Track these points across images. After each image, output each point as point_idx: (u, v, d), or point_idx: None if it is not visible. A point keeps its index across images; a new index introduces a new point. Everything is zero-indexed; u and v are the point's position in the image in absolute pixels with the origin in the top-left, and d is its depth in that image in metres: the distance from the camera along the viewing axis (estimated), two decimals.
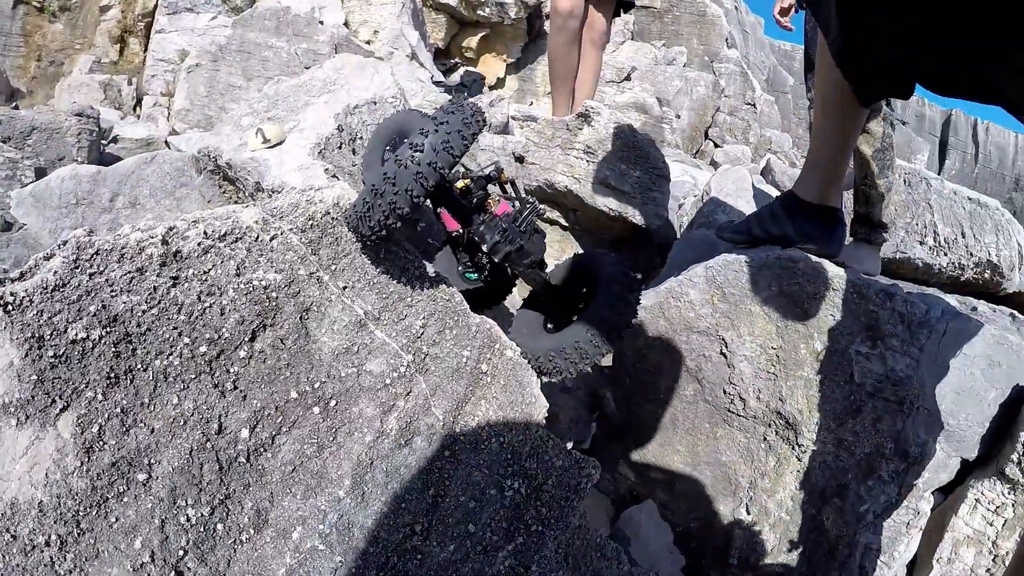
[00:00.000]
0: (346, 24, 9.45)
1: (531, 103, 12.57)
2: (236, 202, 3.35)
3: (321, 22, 8.87)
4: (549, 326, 2.41)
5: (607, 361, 3.08)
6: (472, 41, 13.67)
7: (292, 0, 8.83)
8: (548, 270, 2.36)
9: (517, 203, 2.39)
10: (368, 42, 9.45)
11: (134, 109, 9.56)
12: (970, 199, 3.79)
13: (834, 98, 2.24)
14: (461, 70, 12.65)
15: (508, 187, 2.46)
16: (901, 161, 3.90)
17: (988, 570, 2.47)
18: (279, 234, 1.76)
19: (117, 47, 10.19)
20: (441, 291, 1.96)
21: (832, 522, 2.52)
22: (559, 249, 3.90)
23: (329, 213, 1.85)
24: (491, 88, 13.19)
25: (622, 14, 4.75)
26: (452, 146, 1.74)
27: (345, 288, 1.81)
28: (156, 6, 9.93)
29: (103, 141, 6.68)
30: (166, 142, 6.82)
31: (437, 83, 9.18)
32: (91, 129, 6.08)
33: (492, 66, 13.89)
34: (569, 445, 2.96)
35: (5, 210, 3.65)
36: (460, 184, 2.39)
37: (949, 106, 36.18)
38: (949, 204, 3.78)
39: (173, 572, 1.42)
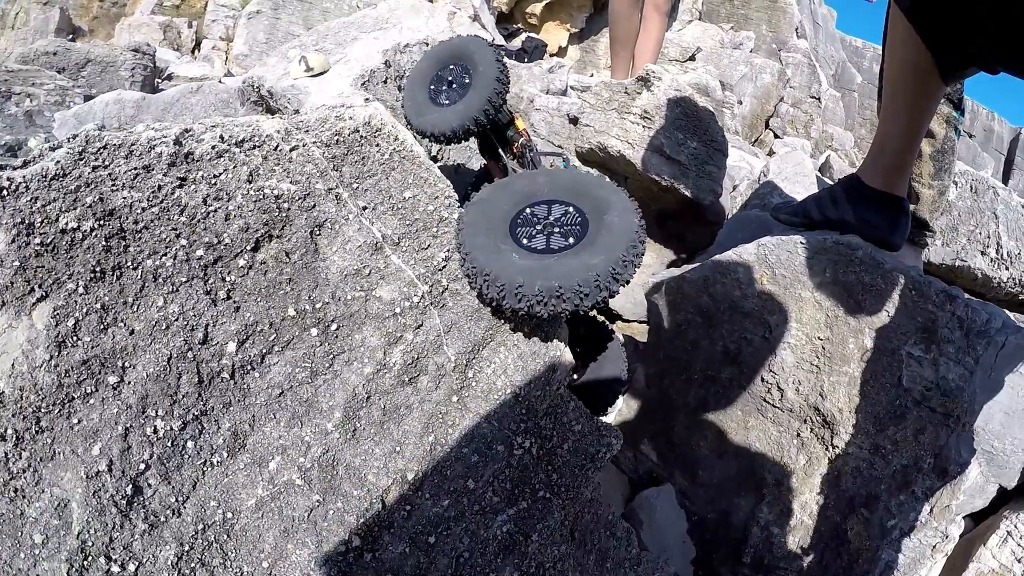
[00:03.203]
0: None
1: (592, 75, 12.43)
2: None
3: None
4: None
5: (642, 337, 2.98)
6: (536, 7, 13.52)
7: None
8: None
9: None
10: (432, 0, 9.38)
11: (192, 52, 9.62)
12: None
13: (906, 77, 2.11)
14: (523, 36, 12.55)
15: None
16: (970, 168, 3.74)
17: None
18: (300, 146, 1.67)
19: None
20: None
21: (856, 533, 2.37)
22: None
23: (358, 131, 1.77)
24: (552, 56, 13.09)
25: None
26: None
27: (365, 208, 1.70)
28: None
29: (158, 79, 6.68)
30: (220, 81, 6.80)
31: (498, 46, 9.10)
32: (146, 64, 6.12)
33: (555, 34, 13.76)
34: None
35: (50, 133, 3.65)
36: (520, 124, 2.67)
37: (1020, 123, 35.71)
38: (1016, 217, 3.63)
39: (131, 486, 1.32)
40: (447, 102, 2.60)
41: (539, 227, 1.77)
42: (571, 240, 1.73)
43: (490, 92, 2.47)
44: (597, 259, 1.63)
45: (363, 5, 8.47)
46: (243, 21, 8.80)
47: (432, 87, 2.66)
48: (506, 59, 2.98)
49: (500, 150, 2.65)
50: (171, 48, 9.32)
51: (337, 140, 1.72)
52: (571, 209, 1.81)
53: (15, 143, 3.42)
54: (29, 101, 4.34)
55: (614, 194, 1.83)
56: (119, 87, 5.77)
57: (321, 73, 3.14)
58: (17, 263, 1.32)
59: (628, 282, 1.66)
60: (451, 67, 2.64)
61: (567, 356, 1.80)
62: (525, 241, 1.74)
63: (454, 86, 2.61)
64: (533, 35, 12.71)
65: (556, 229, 1.76)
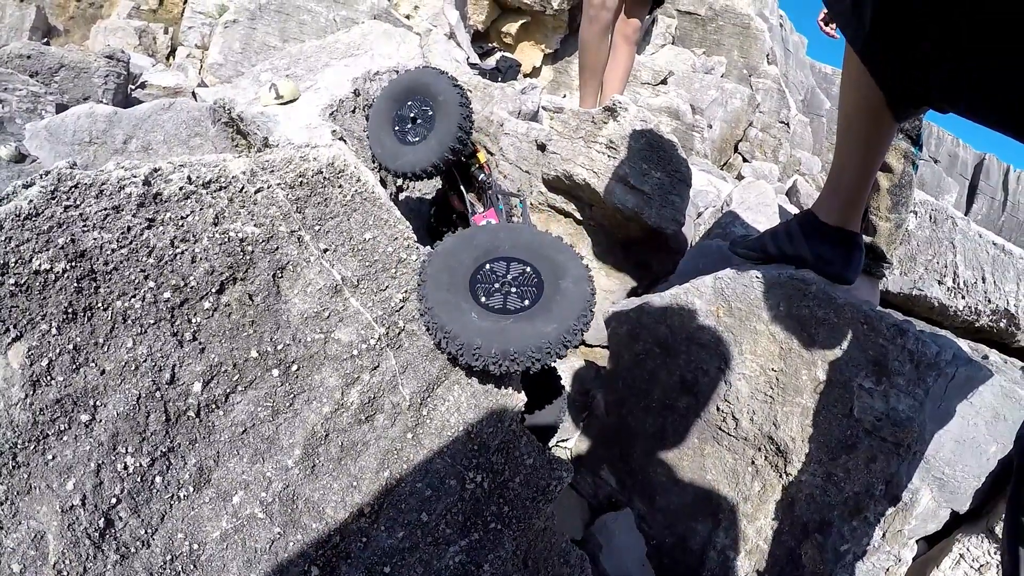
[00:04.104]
0: None
1: (564, 95, 12.49)
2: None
3: None
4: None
5: (603, 361, 3.03)
6: (512, 27, 13.56)
7: None
8: None
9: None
10: (408, 16, 9.41)
11: (167, 58, 9.57)
12: (995, 244, 3.70)
13: (860, 116, 2.15)
14: (498, 55, 12.61)
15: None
16: (929, 197, 3.81)
17: None
18: (265, 187, 1.71)
19: None
20: None
21: (810, 558, 2.43)
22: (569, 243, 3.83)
23: (322, 172, 1.81)
24: (526, 76, 13.15)
25: (655, 11, 4.78)
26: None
27: (326, 251, 1.75)
28: None
29: (131, 86, 6.66)
30: (193, 93, 6.78)
31: (472, 65, 9.14)
32: (119, 72, 6.08)
33: (529, 54, 13.83)
34: (553, 441, 2.91)
35: (20, 142, 3.65)
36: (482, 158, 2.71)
37: (983, 149, 35.90)
38: (973, 246, 3.69)
39: (103, 519, 1.36)
40: (416, 139, 2.62)
41: (497, 285, 1.86)
42: (526, 302, 1.81)
43: (459, 119, 2.51)
44: (550, 327, 1.73)
45: (339, 19, 8.48)
46: (219, 30, 8.75)
47: (397, 128, 2.67)
48: (465, 80, 3.05)
49: (461, 185, 2.69)
50: (146, 54, 9.26)
51: (301, 181, 1.76)
52: (528, 269, 1.90)
53: None
54: (1, 107, 4.35)
55: (571, 260, 1.91)
56: (92, 93, 5.76)
57: (291, 101, 3.17)
58: None
59: (577, 346, 1.76)
60: (410, 103, 2.67)
61: (519, 394, 1.86)
62: (483, 299, 1.82)
63: (419, 121, 2.63)
64: (508, 55, 12.76)
65: (513, 289, 1.85)
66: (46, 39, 9.12)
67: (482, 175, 2.74)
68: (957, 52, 1.48)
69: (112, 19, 9.87)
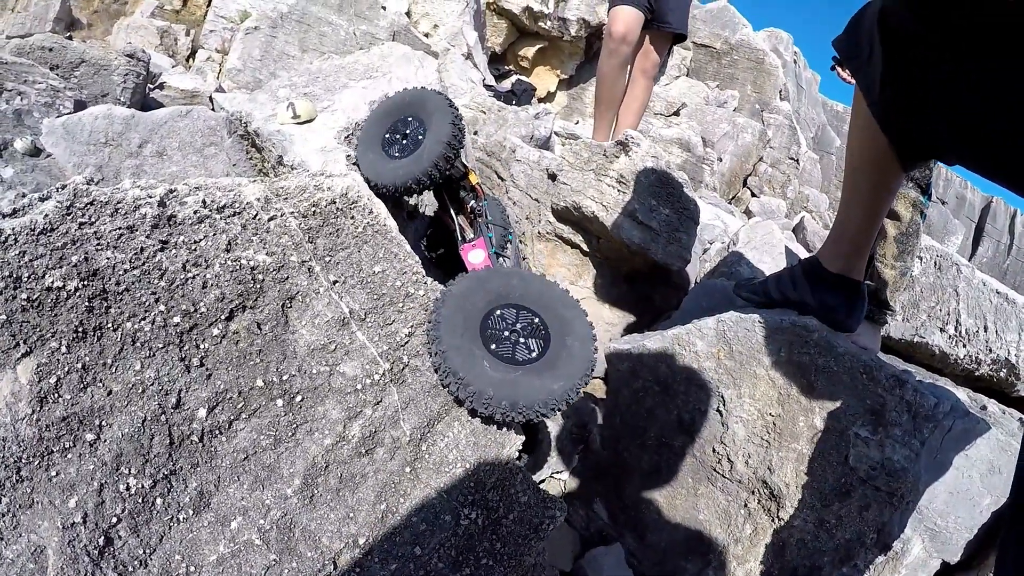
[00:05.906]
0: (408, 14, 9.46)
1: (577, 122, 12.54)
2: (261, 171, 3.32)
3: (384, 7, 8.87)
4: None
5: (600, 393, 3.04)
6: (529, 51, 13.68)
7: None
8: None
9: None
10: (427, 35, 9.46)
11: (187, 60, 9.60)
12: (998, 292, 3.71)
13: (866, 165, 2.16)
14: (513, 78, 12.65)
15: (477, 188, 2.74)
16: (934, 243, 3.83)
17: None
18: (278, 216, 1.73)
19: None
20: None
21: None
22: (575, 273, 3.84)
23: (335, 203, 1.83)
24: (540, 101, 13.22)
25: (674, 48, 4.78)
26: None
27: (336, 283, 1.77)
28: None
29: (149, 85, 6.67)
30: (211, 98, 6.80)
31: (488, 86, 9.17)
32: (139, 72, 6.07)
33: (545, 79, 13.91)
34: (547, 472, 2.92)
35: (37, 136, 3.66)
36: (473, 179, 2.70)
37: (991, 193, 36.00)
38: (976, 295, 3.70)
39: (103, 537, 1.38)
40: (397, 155, 2.60)
41: (506, 333, 1.91)
42: (534, 354, 1.89)
43: (443, 147, 2.47)
44: (557, 384, 1.81)
45: (359, 33, 8.53)
46: (240, 36, 8.77)
47: (386, 146, 2.66)
48: (479, 102, 3.04)
49: (451, 210, 2.69)
50: (167, 54, 9.28)
51: (314, 211, 1.78)
52: (537, 320, 1.96)
53: (1, 143, 3.46)
54: (20, 99, 4.35)
55: (577, 318, 2.00)
56: (110, 91, 5.76)
57: (308, 121, 3.18)
58: (4, 316, 1.36)
59: (575, 400, 1.84)
60: (397, 122, 2.68)
61: (516, 432, 1.88)
62: (493, 345, 1.87)
63: (407, 133, 2.64)
64: (523, 78, 12.81)
65: (521, 339, 1.91)
66: (69, 32, 9.16)
67: (473, 200, 2.73)
68: (956, 54, 1.50)
69: (135, 17, 9.91)
